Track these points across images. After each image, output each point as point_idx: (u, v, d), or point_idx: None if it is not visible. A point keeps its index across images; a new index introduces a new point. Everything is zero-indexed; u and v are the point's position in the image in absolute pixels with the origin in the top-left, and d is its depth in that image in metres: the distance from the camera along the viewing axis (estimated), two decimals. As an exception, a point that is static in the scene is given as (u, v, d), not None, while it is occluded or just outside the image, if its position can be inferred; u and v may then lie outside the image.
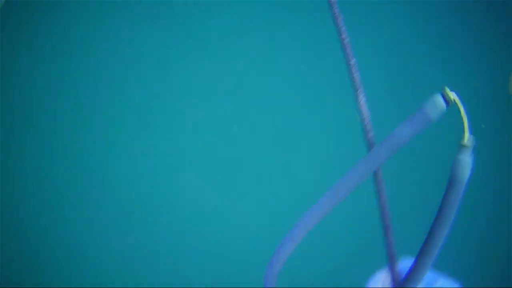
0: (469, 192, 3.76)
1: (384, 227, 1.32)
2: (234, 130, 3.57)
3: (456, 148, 1.16)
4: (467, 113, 1.17)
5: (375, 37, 4.10)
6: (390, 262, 1.31)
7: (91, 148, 3.45)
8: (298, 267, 3.40)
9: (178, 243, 3.32)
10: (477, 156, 3.69)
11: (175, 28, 3.83)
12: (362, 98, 1.24)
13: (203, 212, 3.40)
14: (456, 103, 1.12)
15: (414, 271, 1.21)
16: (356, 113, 1.25)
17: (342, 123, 3.78)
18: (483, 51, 4.10)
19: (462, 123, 1.15)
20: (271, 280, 1.16)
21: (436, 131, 3.78)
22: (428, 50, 4.07)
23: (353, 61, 1.22)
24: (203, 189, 3.44)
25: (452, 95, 1.13)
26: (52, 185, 3.35)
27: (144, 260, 3.24)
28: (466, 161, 1.18)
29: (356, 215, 3.52)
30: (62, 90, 3.58)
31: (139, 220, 3.31)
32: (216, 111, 3.61)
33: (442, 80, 3.99)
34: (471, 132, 1.19)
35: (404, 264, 1.29)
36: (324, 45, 4.02)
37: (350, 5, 4.11)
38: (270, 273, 1.15)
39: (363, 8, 4.12)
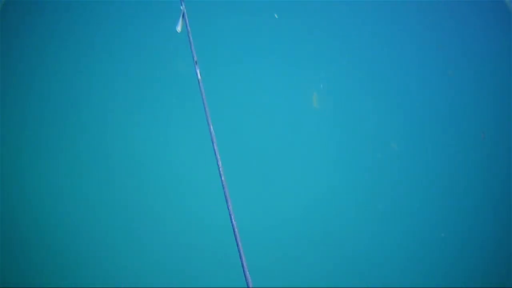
0: (470, 192, 3.74)
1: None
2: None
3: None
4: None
5: (374, 37, 4.10)
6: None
7: (89, 149, 3.44)
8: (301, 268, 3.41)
9: (174, 244, 3.32)
10: (477, 156, 3.64)
11: (171, 29, 3.83)
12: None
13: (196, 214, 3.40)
14: None
15: None
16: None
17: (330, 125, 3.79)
18: (483, 51, 4.11)
19: None
20: None
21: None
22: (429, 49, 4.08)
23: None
24: (198, 191, 3.45)
25: None
26: (50, 186, 3.35)
27: (143, 261, 3.24)
28: None
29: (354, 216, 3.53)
30: (61, 90, 3.58)
31: (137, 221, 3.31)
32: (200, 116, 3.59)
33: (443, 79, 3.99)
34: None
35: None
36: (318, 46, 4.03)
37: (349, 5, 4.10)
38: None
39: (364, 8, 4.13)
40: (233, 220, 1.32)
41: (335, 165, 3.62)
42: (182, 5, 2.00)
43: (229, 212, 1.34)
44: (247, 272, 1.24)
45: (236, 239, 1.25)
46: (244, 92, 3.73)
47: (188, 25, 1.84)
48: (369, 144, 3.66)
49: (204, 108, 1.46)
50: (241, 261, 1.22)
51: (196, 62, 1.64)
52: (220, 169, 1.35)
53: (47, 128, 3.47)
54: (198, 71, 1.60)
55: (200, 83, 1.53)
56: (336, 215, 3.47)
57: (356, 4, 4.14)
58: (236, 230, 1.26)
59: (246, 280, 1.21)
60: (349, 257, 3.37)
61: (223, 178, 1.34)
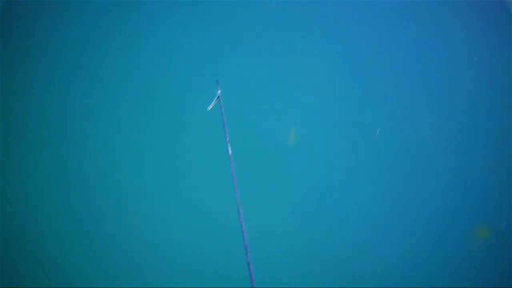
0: (470, 192, 3.73)
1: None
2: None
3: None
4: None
5: (375, 36, 4.10)
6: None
7: (89, 148, 3.44)
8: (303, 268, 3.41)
9: (174, 243, 3.32)
10: (477, 156, 3.63)
11: (175, 28, 3.83)
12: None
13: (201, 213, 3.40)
14: None
15: None
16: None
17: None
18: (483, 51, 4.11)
19: None
20: None
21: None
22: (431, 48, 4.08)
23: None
24: (202, 190, 3.44)
25: None
26: (51, 186, 3.35)
27: (144, 262, 3.24)
28: None
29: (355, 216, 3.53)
30: (60, 90, 3.57)
31: (138, 221, 3.31)
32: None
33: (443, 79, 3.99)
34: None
35: None
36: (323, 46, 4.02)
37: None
38: None
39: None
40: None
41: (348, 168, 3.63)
42: (218, 90, 2.29)
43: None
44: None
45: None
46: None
47: (222, 107, 2.03)
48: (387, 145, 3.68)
49: (234, 184, 1.68)
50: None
51: (228, 141, 1.90)
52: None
53: (49, 128, 3.46)
54: (229, 149, 1.86)
55: (231, 160, 1.77)
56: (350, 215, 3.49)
57: (355, 4, 4.13)
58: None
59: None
60: (358, 258, 3.38)
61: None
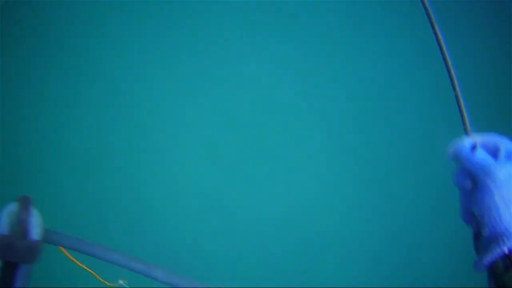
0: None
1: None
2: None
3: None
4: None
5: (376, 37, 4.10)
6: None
7: (91, 147, 3.45)
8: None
9: (175, 242, 3.32)
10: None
11: (178, 27, 3.82)
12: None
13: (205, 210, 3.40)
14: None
15: None
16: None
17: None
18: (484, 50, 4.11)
19: None
20: None
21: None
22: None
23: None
24: (206, 187, 3.45)
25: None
26: (51, 185, 3.35)
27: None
28: None
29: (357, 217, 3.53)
30: (60, 90, 3.58)
31: (141, 220, 3.31)
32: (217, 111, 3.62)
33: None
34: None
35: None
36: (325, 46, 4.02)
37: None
38: None
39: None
40: None
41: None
42: None
43: None
44: None
45: None
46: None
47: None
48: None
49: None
50: None
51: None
52: None
53: (48, 130, 3.47)
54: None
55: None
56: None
57: (351, 3, 4.13)
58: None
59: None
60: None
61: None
